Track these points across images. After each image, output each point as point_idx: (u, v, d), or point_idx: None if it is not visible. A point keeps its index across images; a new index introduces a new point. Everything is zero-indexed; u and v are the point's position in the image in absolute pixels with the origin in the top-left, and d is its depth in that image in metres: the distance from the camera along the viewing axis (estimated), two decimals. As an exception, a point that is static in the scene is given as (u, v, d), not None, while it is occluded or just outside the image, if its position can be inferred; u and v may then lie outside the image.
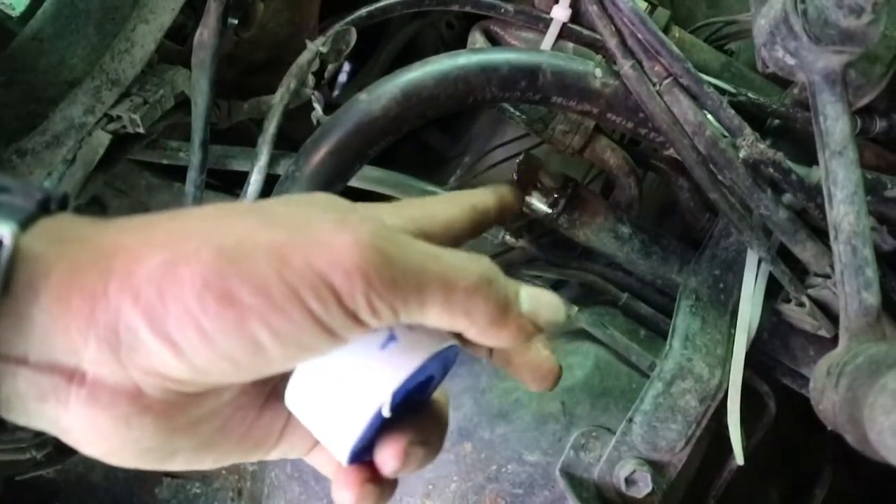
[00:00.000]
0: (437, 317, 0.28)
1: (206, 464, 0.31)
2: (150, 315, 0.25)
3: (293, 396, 0.31)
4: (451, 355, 0.32)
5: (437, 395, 0.34)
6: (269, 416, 0.32)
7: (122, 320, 0.25)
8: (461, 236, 0.35)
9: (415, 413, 0.32)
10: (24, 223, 0.26)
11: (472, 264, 0.29)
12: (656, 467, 0.53)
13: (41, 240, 0.26)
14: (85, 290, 0.25)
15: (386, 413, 0.29)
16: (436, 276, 0.27)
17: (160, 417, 0.28)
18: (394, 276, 0.26)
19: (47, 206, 0.27)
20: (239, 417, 0.31)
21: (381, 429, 0.31)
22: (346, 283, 0.26)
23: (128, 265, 0.26)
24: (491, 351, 0.35)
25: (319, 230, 0.27)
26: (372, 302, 0.26)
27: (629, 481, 0.52)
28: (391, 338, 0.30)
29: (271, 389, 0.32)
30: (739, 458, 0.54)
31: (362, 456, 0.31)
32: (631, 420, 0.54)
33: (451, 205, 0.35)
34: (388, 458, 0.31)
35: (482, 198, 0.37)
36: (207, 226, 0.27)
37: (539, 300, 0.31)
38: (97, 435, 0.27)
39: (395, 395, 0.29)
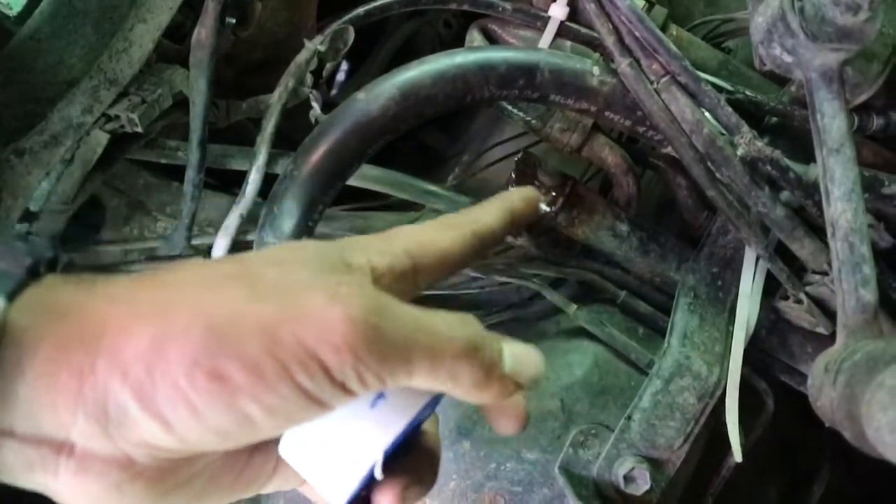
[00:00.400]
0: (423, 382, 0.28)
1: None
2: (139, 392, 0.25)
3: (287, 450, 0.31)
4: (437, 400, 0.33)
5: (427, 424, 0.35)
6: (260, 458, 0.32)
7: (111, 398, 0.25)
8: (458, 265, 0.34)
9: (406, 452, 0.32)
10: (12, 294, 0.26)
11: (459, 330, 0.29)
12: (655, 465, 0.53)
13: (29, 312, 0.26)
14: (72, 367, 0.25)
15: (378, 475, 0.30)
16: (424, 345, 0.28)
17: (151, 482, 0.28)
18: (382, 349, 0.27)
19: (36, 272, 0.27)
20: (229, 467, 0.31)
21: (372, 480, 0.31)
22: (336, 357, 0.26)
23: (115, 342, 0.26)
24: None
25: (309, 303, 0.27)
26: (361, 374, 0.27)
27: (628, 479, 0.52)
28: (380, 396, 0.30)
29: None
30: (738, 455, 0.55)
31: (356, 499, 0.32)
32: (629, 418, 0.54)
33: (448, 232, 0.34)
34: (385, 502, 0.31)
35: (485, 221, 0.35)
36: (195, 297, 0.27)
37: (521, 359, 0.31)
38: (89, 500, 0.27)
39: (386, 453, 0.30)
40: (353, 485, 0.30)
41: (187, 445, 0.27)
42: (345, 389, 0.27)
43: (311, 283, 0.28)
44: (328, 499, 0.31)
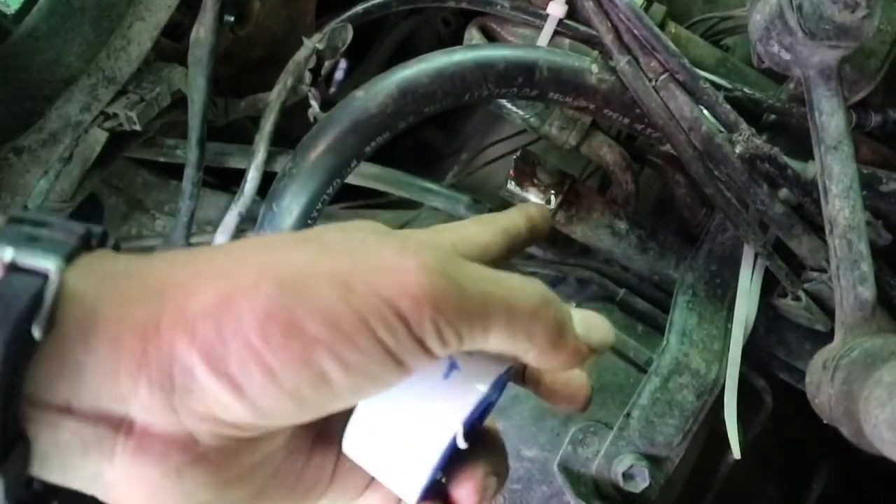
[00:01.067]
0: (500, 341, 0.27)
1: None
2: (208, 354, 0.23)
3: (354, 441, 0.29)
4: (507, 377, 0.31)
5: (488, 421, 0.33)
6: (319, 459, 0.31)
7: (178, 361, 0.23)
8: (497, 260, 0.33)
9: (476, 443, 0.30)
10: (69, 258, 0.24)
11: (531, 287, 0.28)
12: (654, 462, 0.53)
13: (85, 276, 0.24)
14: (136, 328, 0.24)
15: (462, 444, 0.28)
16: (499, 299, 0.27)
17: (214, 468, 0.26)
18: (460, 302, 0.25)
19: (88, 242, 0.25)
20: (290, 462, 0.30)
21: (447, 464, 0.29)
22: (415, 310, 0.25)
23: (180, 300, 0.24)
24: (524, 375, 0.34)
25: (382, 256, 0.25)
26: (440, 329, 0.25)
27: (627, 476, 0.52)
28: (452, 366, 0.28)
29: (318, 431, 0.31)
30: (736, 452, 0.55)
31: (427, 495, 0.29)
32: (628, 415, 0.54)
33: (484, 228, 0.33)
34: (467, 494, 0.29)
35: (512, 221, 0.35)
36: (262, 256, 0.26)
37: (590, 323, 0.30)
38: (145, 489, 0.25)
39: (465, 424, 0.28)
40: (432, 463, 0.28)
41: (258, 416, 0.25)
42: (423, 347, 0.25)
43: (378, 239, 0.27)
44: (403, 486, 0.29)
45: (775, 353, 0.59)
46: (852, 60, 0.51)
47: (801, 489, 0.67)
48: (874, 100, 0.54)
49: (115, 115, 0.57)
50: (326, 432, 0.31)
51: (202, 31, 0.55)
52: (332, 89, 0.92)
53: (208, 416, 0.24)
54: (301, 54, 0.59)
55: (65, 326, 0.23)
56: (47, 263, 0.23)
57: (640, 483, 0.52)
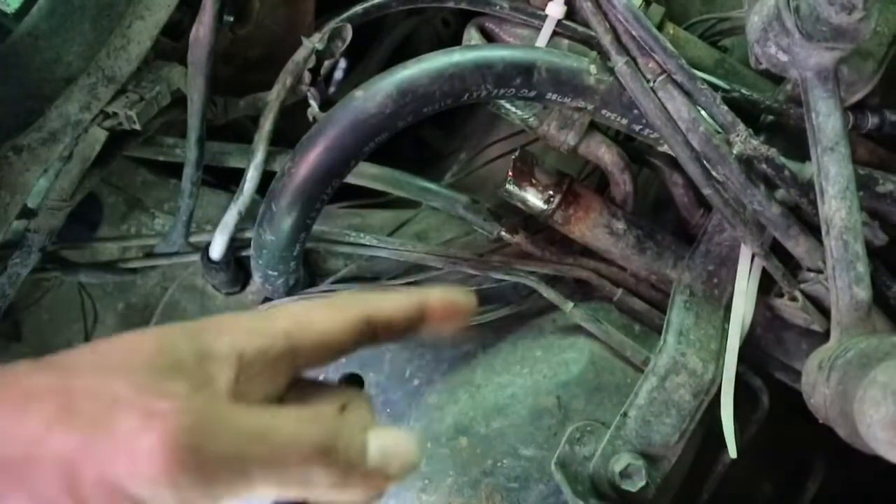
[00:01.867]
0: (271, 490, 0.26)
1: None
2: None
3: None
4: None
5: None
6: None
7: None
8: (341, 349, 0.31)
9: None
10: None
11: (311, 430, 0.27)
12: (651, 461, 0.54)
13: None
14: None
15: None
16: (262, 455, 0.26)
17: None
18: (208, 469, 0.24)
19: None
20: None
21: None
22: (151, 490, 0.24)
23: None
24: None
25: (120, 427, 0.24)
26: (187, 500, 0.24)
27: (624, 475, 0.53)
28: None
29: None
30: (732, 451, 0.55)
31: None
32: (625, 414, 0.54)
33: (336, 314, 0.31)
34: None
35: (384, 308, 0.31)
36: (3, 416, 0.24)
37: (389, 449, 0.28)
38: None
39: None
40: None
41: None
42: None
43: (129, 398, 0.25)
44: None
45: (772, 352, 0.59)
46: (849, 62, 0.52)
47: (797, 488, 0.68)
48: (871, 101, 0.55)
49: (115, 114, 0.57)
50: None
51: (202, 31, 0.55)
52: (332, 89, 0.92)
53: None
54: (300, 54, 0.59)
55: None
56: None
57: (637, 482, 0.52)
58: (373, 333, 0.31)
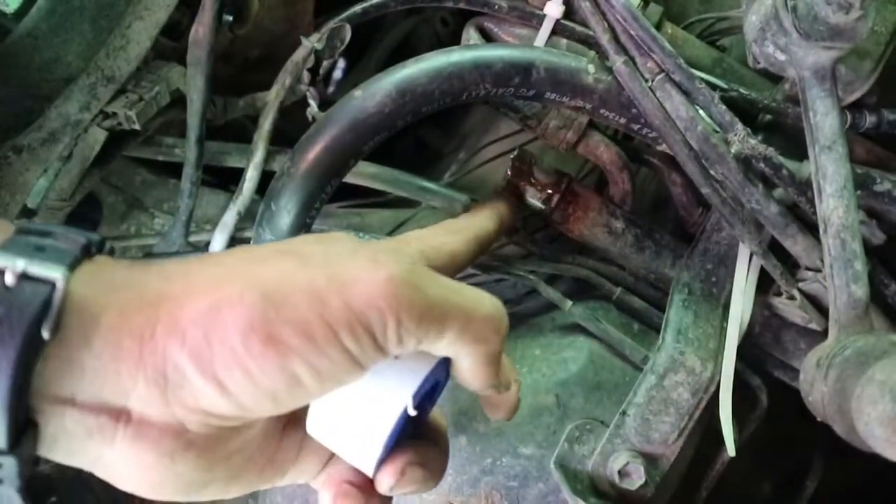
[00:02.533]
0: (451, 343, 0.30)
1: (231, 493, 0.32)
2: (196, 356, 0.26)
3: (316, 423, 0.32)
4: (448, 368, 0.34)
5: (438, 421, 0.36)
6: (287, 443, 0.34)
7: (170, 362, 0.26)
8: (464, 265, 0.37)
9: (415, 437, 0.33)
10: (72, 266, 0.27)
11: (487, 297, 0.32)
12: (649, 459, 0.54)
13: (88, 284, 0.27)
14: (133, 334, 0.26)
15: (411, 411, 0.31)
16: (460, 306, 0.30)
17: (201, 452, 0.29)
18: (422, 311, 0.28)
19: (88, 250, 0.28)
20: (264, 446, 0.33)
21: (402, 437, 0.32)
22: (381, 320, 0.28)
23: (173, 311, 0.27)
24: None
25: (354, 268, 0.28)
26: (401, 336, 0.28)
27: (623, 473, 0.53)
28: None
29: (288, 417, 0.34)
30: (731, 450, 0.55)
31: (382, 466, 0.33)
32: (624, 413, 0.54)
33: (454, 236, 0.37)
34: (385, 476, 0.32)
35: (481, 226, 0.39)
36: (248, 268, 0.28)
37: (506, 364, 0.34)
38: (141, 470, 0.28)
39: (414, 398, 0.31)
40: (386, 432, 0.31)
41: (239, 409, 0.28)
42: (383, 351, 0.29)
43: (353, 250, 0.30)
44: (362, 458, 0.32)
45: (770, 351, 0.59)
46: (847, 61, 0.52)
47: (796, 487, 0.68)
48: (868, 100, 0.55)
49: (115, 114, 0.57)
50: (295, 418, 0.34)
51: (201, 31, 0.55)
52: (331, 89, 0.92)
53: (197, 408, 0.27)
54: (299, 54, 0.59)
55: (70, 331, 0.26)
56: (54, 273, 0.26)
57: (636, 480, 0.53)
58: (480, 249, 0.38)
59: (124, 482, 0.29)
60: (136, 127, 0.57)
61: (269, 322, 0.27)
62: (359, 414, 0.31)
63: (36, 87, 0.55)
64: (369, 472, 0.32)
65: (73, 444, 0.27)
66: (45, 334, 0.25)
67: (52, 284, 0.26)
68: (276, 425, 0.33)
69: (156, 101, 0.58)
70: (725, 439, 0.55)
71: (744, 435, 0.58)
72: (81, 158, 0.57)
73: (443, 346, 0.30)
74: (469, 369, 0.32)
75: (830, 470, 0.68)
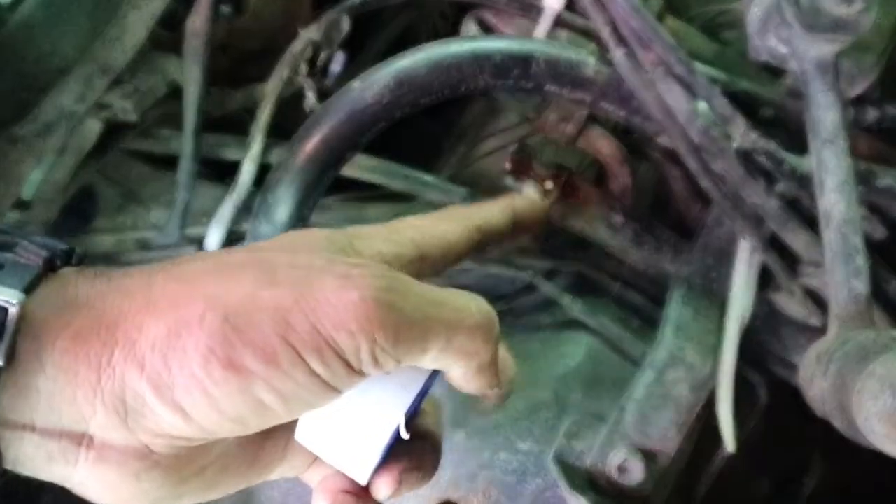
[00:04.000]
0: (435, 357, 0.28)
1: (214, 496, 0.31)
2: (156, 383, 0.25)
3: (305, 434, 0.31)
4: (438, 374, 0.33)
5: (428, 415, 0.35)
6: (271, 445, 0.33)
7: (129, 389, 0.26)
8: (461, 256, 0.35)
9: (409, 439, 0.32)
10: (30, 287, 0.26)
11: (474, 304, 0.29)
12: (648, 455, 0.53)
13: (46, 305, 0.26)
14: (91, 359, 0.25)
15: (404, 434, 0.30)
16: (442, 320, 0.28)
17: (168, 470, 0.28)
18: (398, 331, 0.27)
19: (52, 264, 0.27)
20: (242, 455, 0.32)
21: (392, 447, 0.31)
22: (352, 343, 0.26)
23: (131, 333, 0.26)
24: None
25: (323, 286, 0.26)
26: (376, 356, 0.27)
27: (621, 469, 0.52)
28: None
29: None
30: (730, 446, 0.55)
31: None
32: (623, 408, 0.54)
33: (453, 224, 0.34)
34: (382, 486, 0.31)
35: (488, 218, 0.36)
36: (211, 285, 0.27)
37: (504, 362, 0.32)
38: (108, 489, 0.27)
39: (407, 415, 0.30)
40: (378, 453, 0.30)
41: (205, 433, 0.27)
42: (360, 373, 0.27)
43: (323, 267, 0.28)
44: (352, 472, 0.31)
45: (770, 347, 0.59)
46: (849, 55, 0.51)
47: (795, 483, 0.68)
48: (871, 95, 0.54)
49: (111, 105, 0.57)
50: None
51: (198, 21, 0.55)
52: (330, 81, 0.91)
53: (160, 433, 0.27)
54: (297, 45, 0.59)
55: (24, 356, 0.25)
56: (9, 296, 0.25)
57: (635, 476, 0.52)
58: (482, 241, 0.35)
59: (95, 498, 0.28)
60: (133, 118, 0.57)
61: (231, 346, 0.25)
62: (350, 428, 0.30)
63: (31, 78, 0.54)
64: (363, 482, 0.31)
65: (36, 466, 0.27)
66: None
67: (6, 310, 0.25)
68: (253, 435, 0.32)
69: (152, 93, 0.57)
70: (724, 436, 0.54)
71: (743, 431, 0.58)
72: (77, 150, 0.57)
73: (428, 362, 0.29)
74: (461, 378, 0.31)
75: (830, 467, 0.67)
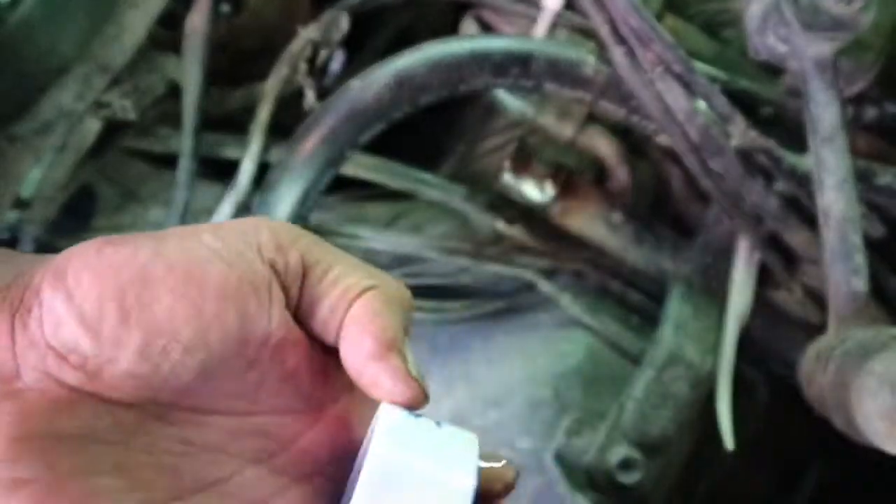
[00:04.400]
0: (338, 294, 0.25)
1: None
2: (54, 273, 0.23)
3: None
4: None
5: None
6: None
7: (31, 285, 0.23)
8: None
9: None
10: None
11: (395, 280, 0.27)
12: (648, 453, 0.54)
13: None
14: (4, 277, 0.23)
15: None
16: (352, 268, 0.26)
17: (23, 411, 0.22)
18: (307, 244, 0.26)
19: None
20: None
21: None
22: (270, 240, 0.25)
23: (46, 260, 0.24)
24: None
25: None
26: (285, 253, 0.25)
27: (621, 467, 0.53)
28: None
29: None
30: (729, 443, 0.55)
31: None
32: (622, 406, 0.54)
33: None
34: None
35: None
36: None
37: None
38: None
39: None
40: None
41: (83, 327, 0.22)
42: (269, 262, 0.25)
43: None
44: None
45: (769, 345, 0.59)
46: (849, 53, 0.51)
47: (795, 480, 0.68)
48: (870, 93, 0.54)
49: (110, 104, 0.57)
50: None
51: (197, 20, 0.55)
52: (328, 80, 0.91)
53: (38, 338, 0.22)
54: (297, 44, 0.58)
55: None
56: None
57: (634, 474, 0.52)
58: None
59: None
60: (132, 117, 0.57)
61: (124, 238, 0.23)
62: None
63: (30, 77, 0.54)
64: None
65: None
66: None
67: None
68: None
69: (151, 92, 0.57)
70: (724, 433, 0.55)
71: (742, 429, 0.58)
72: (76, 149, 0.57)
73: (326, 296, 0.25)
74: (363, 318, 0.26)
75: (829, 464, 0.68)
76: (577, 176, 0.61)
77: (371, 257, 0.66)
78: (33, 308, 0.22)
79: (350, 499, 0.24)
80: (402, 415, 0.25)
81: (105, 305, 0.23)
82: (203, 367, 0.24)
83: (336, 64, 0.88)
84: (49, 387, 0.22)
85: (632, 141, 0.62)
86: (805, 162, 0.52)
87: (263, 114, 0.59)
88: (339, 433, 0.27)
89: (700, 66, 0.53)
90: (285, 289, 0.25)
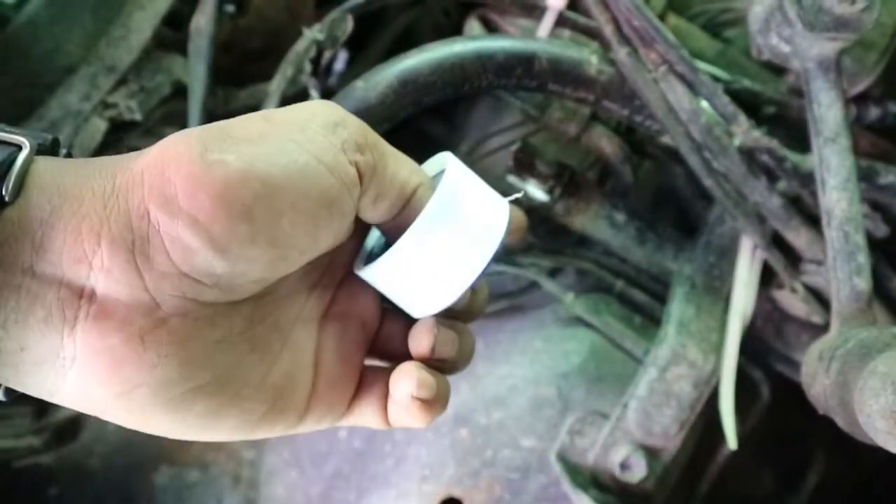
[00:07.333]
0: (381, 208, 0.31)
1: (227, 422, 0.28)
2: (158, 197, 0.25)
3: (373, 273, 0.31)
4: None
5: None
6: (289, 361, 0.30)
7: (134, 211, 0.25)
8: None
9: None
10: (39, 145, 0.27)
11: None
12: (651, 452, 0.54)
13: (51, 160, 0.27)
14: (96, 191, 0.25)
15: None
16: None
17: (176, 337, 0.26)
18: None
19: (54, 145, 0.29)
20: (257, 358, 0.29)
21: None
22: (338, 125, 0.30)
23: (128, 164, 0.26)
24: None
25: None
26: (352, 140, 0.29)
27: (624, 466, 0.53)
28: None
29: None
30: (732, 443, 0.55)
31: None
32: (626, 406, 0.54)
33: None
34: (425, 332, 0.31)
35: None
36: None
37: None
38: (108, 360, 0.25)
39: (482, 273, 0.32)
40: (452, 298, 0.31)
41: (214, 248, 0.25)
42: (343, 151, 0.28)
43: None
44: (418, 312, 0.31)
45: (772, 344, 0.59)
46: (852, 53, 0.51)
47: (797, 480, 0.68)
48: (873, 92, 0.55)
49: (115, 104, 0.57)
50: (283, 325, 0.31)
51: (202, 21, 0.55)
52: (332, 80, 0.92)
53: (169, 269, 0.25)
54: (301, 44, 0.59)
55: (32, 191, 0.25)
56: (22, 139, 0.26)
57: (637, 473, 0.53)
58: None
59: (88, 388, 0.25)
60: (137, 117, 0.57)
61: (215, 141, 0.25)
62: (425, 275, 0.30)
63: (36, 77, 0.55)
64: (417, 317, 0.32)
65: (28, 332, 0.24)
66: (5, 192, 0.24)
67: (19, 147, 0.25)
68: (260, 339, 0.29)
69: (157, 92, 0.57)
70: (727, 432, 0.55)
71: (745, 428, 0.58)
72: (82, 149, 0.57)
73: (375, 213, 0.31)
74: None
75: (832, 464, 0.68)
76: (580, 175, 0.61)
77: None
78: (151, 238, 0.25)
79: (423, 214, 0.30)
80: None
81: (236, 228, 0.25)
82: (308, 262, 0.28)
83: (340, 64, 0.88)
84: (189, 308, 0.26)
85: (635, 141, 0.62)
86: (808, 161, 0.52)
87: (268, 114, 0.59)
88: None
89: (703, 65, 0.53)
90: (361, 184, 0.29)
